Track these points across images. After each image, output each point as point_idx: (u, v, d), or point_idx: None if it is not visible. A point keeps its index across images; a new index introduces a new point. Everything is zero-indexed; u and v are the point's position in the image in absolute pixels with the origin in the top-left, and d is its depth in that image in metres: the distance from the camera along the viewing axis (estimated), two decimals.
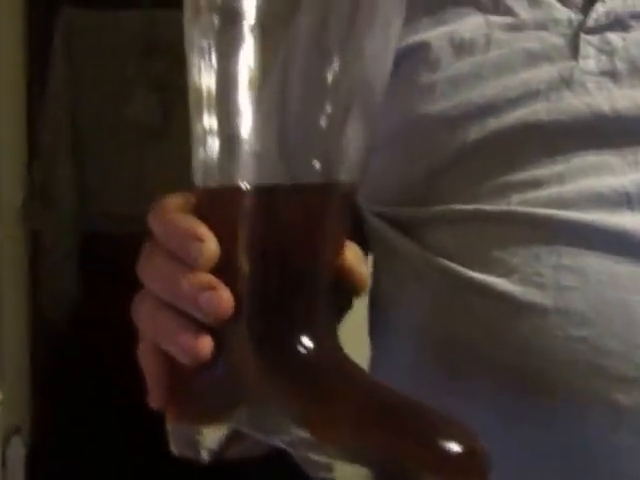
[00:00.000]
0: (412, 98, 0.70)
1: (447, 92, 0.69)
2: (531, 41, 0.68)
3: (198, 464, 0.54)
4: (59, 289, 2.63)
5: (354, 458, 0.48)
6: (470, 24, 0.70)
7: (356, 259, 0.55)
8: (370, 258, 0.74)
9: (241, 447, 0.53)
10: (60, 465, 2.59)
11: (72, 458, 2.60)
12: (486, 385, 0.65)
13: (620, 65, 0.66)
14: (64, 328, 2.64)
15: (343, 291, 0.55)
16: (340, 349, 0.53)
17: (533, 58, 0.68)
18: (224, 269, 0.51)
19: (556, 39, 0.68)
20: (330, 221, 0.52)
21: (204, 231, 0.51)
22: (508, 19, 0.69)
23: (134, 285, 0.54)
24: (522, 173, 0.66)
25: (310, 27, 0.52)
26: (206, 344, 0.51)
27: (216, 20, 0.51)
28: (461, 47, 0.69)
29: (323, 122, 0.51)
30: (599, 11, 0.67)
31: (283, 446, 0.51)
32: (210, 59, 0.51)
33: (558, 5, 0.69)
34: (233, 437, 0.52)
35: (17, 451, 2.48)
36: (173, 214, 0.52)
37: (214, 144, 0.52)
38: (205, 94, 0.52)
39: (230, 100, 0.51)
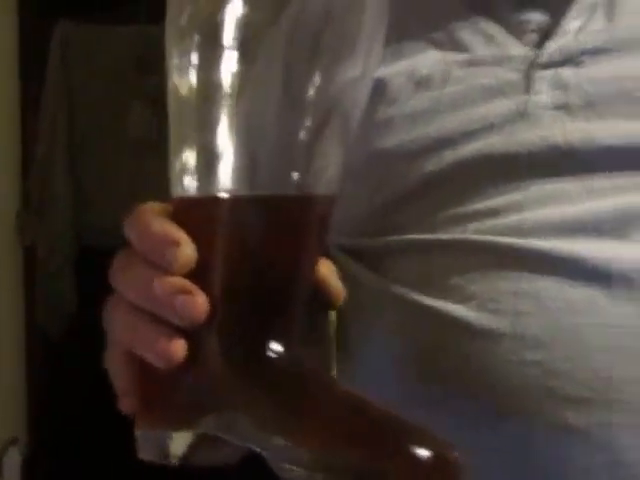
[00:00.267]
0: (370, 132, 0.70)
1: (405, 127, 0.70)
2: (487, 77, 0.69)
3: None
4: (54, 301, 2.63)
5: (325, 464, 0.49)
6: (428, 60, 0.71)
7: (330, 273, 0.56)
8: None
9: (216, 452, 0.54)
10: (57, 475, 2.60)
11: (69, 468, 2.60)
12: (444, 406, 0.66)
13: (573, 99, 0.67)
14: (60, 340, 2.64)
15: (319, 303, 0.56)
16: (313, 359, 0.54)
17: (489, 93, 0.69)
18: (199, 275, 0.51)
19: (511, 75, 0.69)
20: (306, 233, 0.53)
21: (180, 235, 0.51)
22: (465, 55, 0.70)
23: None
24: (479, 203, 0.67)
25: (286, 43, 0.53)
26: (179, 347, 0.51)
27: (196, 37, 0.52)
28: (419, 83, 0.70)
29: (301, 135, 0.51)
30: (552, 48, 0.69)
31: (258, 450, 0.51)
32: (188, 73, 0.53)
33: (513, 42, 0.70)
34: (204, 442, 0.53)
35: (14, 460, 2.48)
36: (149, 219, 0.52)
37: (192, 155, 0.52)
38: (184, 106, 0.53)
39: (208, 112, 0.52)
